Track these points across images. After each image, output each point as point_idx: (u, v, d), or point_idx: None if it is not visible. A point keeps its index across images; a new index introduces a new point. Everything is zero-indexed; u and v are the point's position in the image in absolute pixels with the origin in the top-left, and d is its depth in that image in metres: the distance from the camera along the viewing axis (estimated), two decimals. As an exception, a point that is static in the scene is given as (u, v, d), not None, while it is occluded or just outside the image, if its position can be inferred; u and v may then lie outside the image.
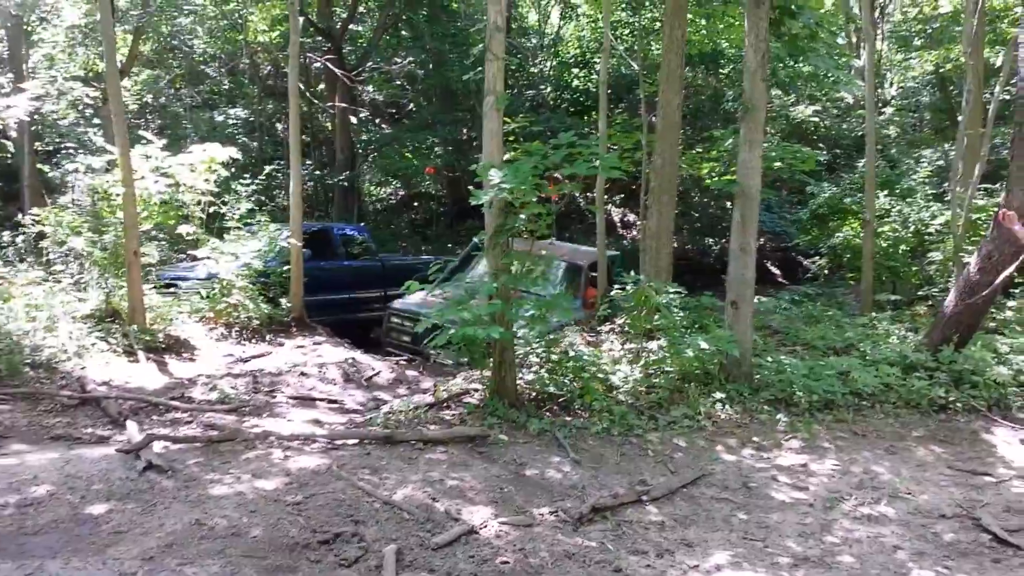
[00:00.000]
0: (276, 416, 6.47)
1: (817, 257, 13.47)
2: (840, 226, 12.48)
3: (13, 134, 16.75)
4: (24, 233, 9.68)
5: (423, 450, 5.61)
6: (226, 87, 21.51)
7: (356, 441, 5.70)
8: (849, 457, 6.05)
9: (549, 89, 19.98)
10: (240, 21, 18.19)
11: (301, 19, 17.21)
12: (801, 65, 10.50)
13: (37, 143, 16.37)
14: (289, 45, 10.24)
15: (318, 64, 17.07)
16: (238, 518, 4.37)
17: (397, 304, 9.45)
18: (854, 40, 19.60)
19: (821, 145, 17.69)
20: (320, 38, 18.05)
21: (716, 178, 10.72)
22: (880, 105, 18.29)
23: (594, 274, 9.92)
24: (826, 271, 13.24)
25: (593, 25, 19.55)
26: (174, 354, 8.12)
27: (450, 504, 4.77)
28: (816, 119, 16.51)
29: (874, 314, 9.60)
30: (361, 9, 19.71)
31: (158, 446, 5.35)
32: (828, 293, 11.85)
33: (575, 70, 20.02)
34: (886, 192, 12.24)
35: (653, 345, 7.59)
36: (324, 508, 4.57)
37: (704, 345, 7.01)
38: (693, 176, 13.43)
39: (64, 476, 4.80)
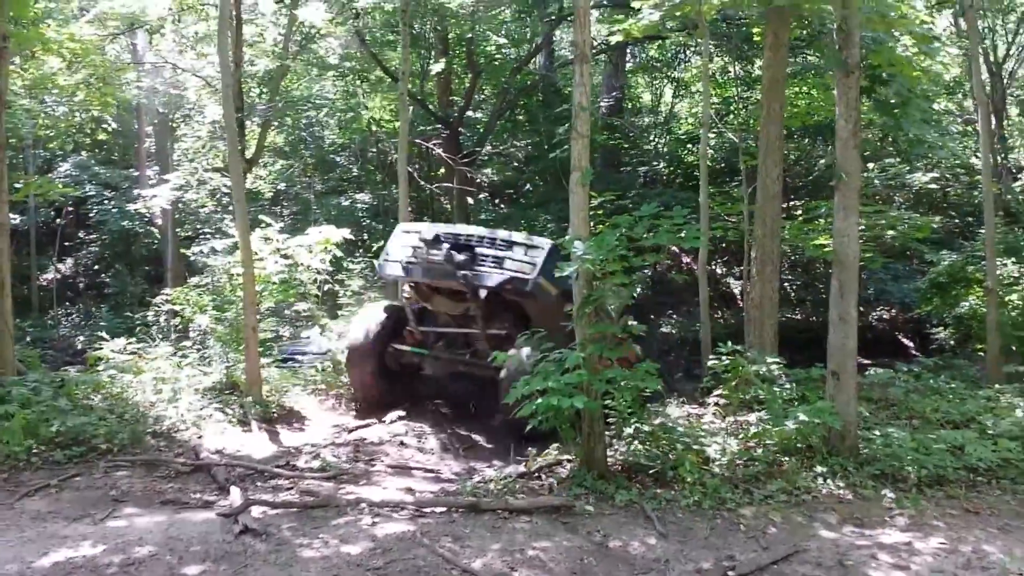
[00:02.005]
0: (372, 484, 6.67)
1: (942, 328, 12.81)
2: (964, 295, 11.87)
3: (159, 221, 18.36)
4: (158, 312, 10.50)
5: (507, 519, 5.66)
6: (354, 174, 22.75)
7: (443, 509, 5.81)
8: (958, 535, 5.68)
9: (663, 165, 20.12)
10: (364, 112, 19.28)
11: (420, 109, 18.23)
12: (905, 132, 10.23)
13: (179, 229, 17.76)
14: (399, 133, 10.84)
15: (438, 150, 17.86)
16: (320, 581, 4.54)
17: None
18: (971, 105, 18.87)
19: (952, 212, 16.97)
20: (439, 125, 18.90)
21: (812, 247, 10.46)
22: (1015, 171, 17.41)
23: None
24: (952, 342, 12.56)
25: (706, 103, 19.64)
26: (285, 424, 8.54)
27: (528, 574, 4.78)
28: (935, 186, 15.88)
29: (999, 386, 9.02)
30: (478, 97, 20.56)
31: (257, 511, 5.63)
32: (954, 364, 11.21)
33: (689, 146, 20.12)
34: (1013, 259, 11.59)
35: (752, 417, 7.41)
36: (403, 574, 4.69)
37: (803, 417, 6.79)
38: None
39: (167, 538, 5.12)
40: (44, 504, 5.87)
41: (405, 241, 8.89)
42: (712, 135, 14.99)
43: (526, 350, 7.58)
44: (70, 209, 20.50)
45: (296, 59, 15.79)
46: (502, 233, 8.75)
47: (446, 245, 8.44)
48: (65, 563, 4.69)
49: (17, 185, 12.89)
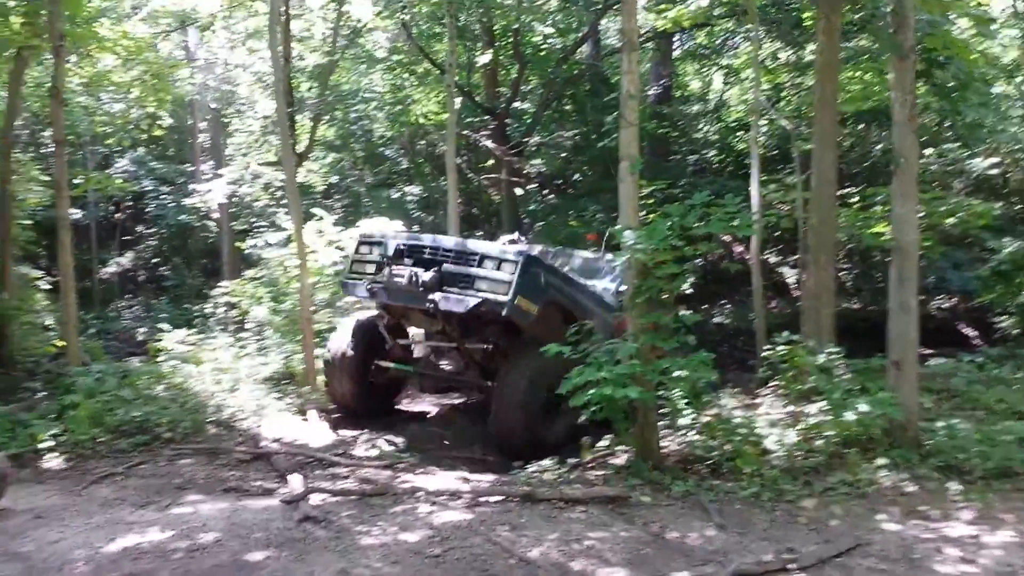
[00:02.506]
0: (428, 473, 6.73)
1: (1005, 316, 12.45)
2: (1030, 282, 11.51)
3: (215, 215, 18.69)
4: (216, 304, 10.71)
5: (563, 509, 5.66)
6: (403, 167, 22.89)
7: (500, 498, 5.84)
8: (1027, 529, 5.54)
9: (713, 153, 19.88)
10: (412, 105, 19.39)
11: (468, 101, 18.26)
12: (963, 117, 9.94)
13: (234, 223, 18.07)
14: (447, 125, 10.88)
15: (485, 142, 17.89)
16: (380, 568, 4.59)
17: None
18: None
19: (1014, 199, 16.46)
20: (487, 117, 18.91)
21: (869, 235, 10.24)
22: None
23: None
24: (1016, 331, 12.20)
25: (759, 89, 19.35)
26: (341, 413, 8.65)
27: (585, 564, 4.78)
28: (995, 171, 15.41)
29: (1068, 376, 8.76)
30: (524, 88, 20.52)
31: (316, 498, 5.73)
32: (1018, 354, 10.88)
33: (739, 133, 19.84)
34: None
35: (811, 408, 7.29)
36: (461, 562, 4.72)
37: (864, 408, 6.66)
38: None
39: (230, 524, 5.23)
40: (111, 491, 6.04)
41: (366, 255, 8.16)
42: (764, 122, 14.75)
43: (519, 371, 7.33)
44: (129, 204, 20.97)
45: (344, 54, 15.91)
46: (471, 244, 8.03)
47: (409, 263, 7.62)
48: (133, 548, 4.81)
49: (76, 181, 13.28)
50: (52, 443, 6.75)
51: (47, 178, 11.54)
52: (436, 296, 7.27)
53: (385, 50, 18.82)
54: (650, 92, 19.98)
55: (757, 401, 8.29)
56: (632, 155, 6.59)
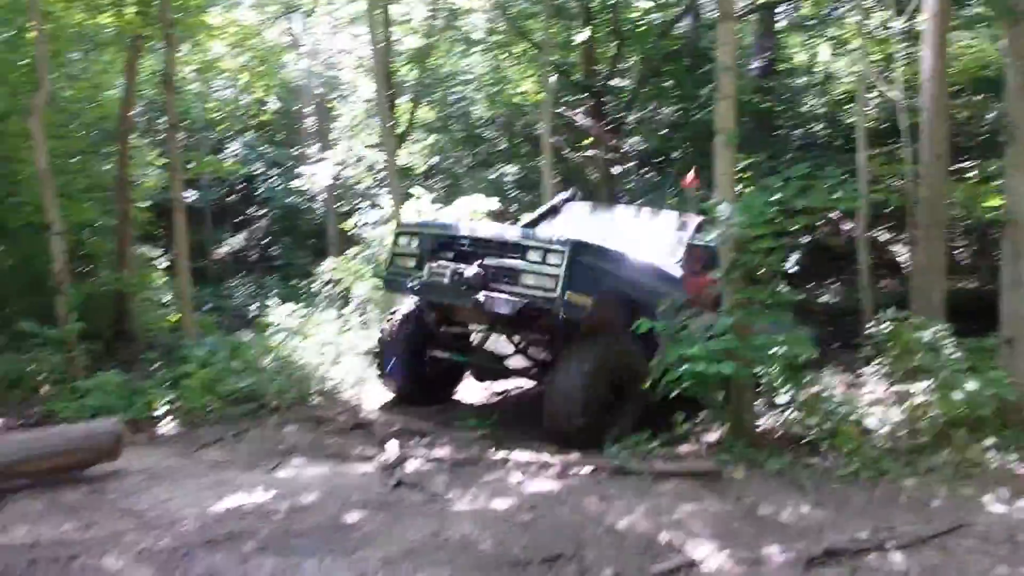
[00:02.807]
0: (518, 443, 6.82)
1: None
2: None
3: (321, 197, 19.31)
4: (321, 281, 11.12)
5: (654, 482, 5.66)
6: (501, 147, 23.05)
7: (590, 469, 5.88)
8: None
9: (819, 127, 19.22)
10: (509, 85, 19.49)
11: (565, 79, 18.22)
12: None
13: (338, 204, 18.63)
14: (542, 104, 10.92)
15: (583, 120, 17.81)
16: (470, 532, 4.72)
17: None
18: None
19: None
20: (583, 95, 18.82)
21: (983, 209, 9.72)
22: None
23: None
24: None
25: (867, 59, 18.58)
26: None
27: (673, 536, 4.78)
28: None
29: None
30: (622, 64, 20.31)
31: (411, 465, 5.92)
32: None
33: (848, 106, 19.10)
34: None
35: (916, 387, 7.03)
36: (549, 530, 4.79)
37: (973, 387, 6.39)
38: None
39: (330, 487, 5.46)
40: (220, 455, 6.40)
41: (406, 247, 7.59)
42: (873, 94, 14.16)
43: (577, 362, 6.64)
44: (240, 187, 21.87)
45: (442, 36, 16.11)
46: (512, 232, 7.34)
47: (450, 256, 7.08)
48: (237, 508, 5.09)
49: (190, 165, 13.95)
50: (166, 410, 7.19)
51: (163, 162, 12.17)
52: (480, 296, 6.69)
53: (483, 32, 18.94)
54: (753, 65, 19.47)
55: (860, 380, 8.06)
56: (728, 128, 6.48)
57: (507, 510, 5.07)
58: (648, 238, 8.05)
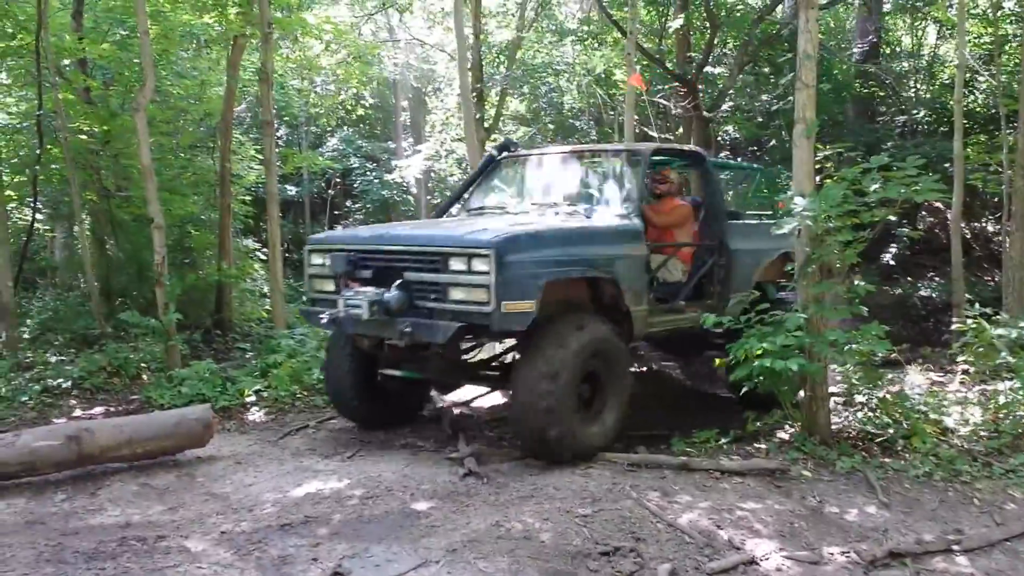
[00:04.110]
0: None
1: None
2: None
3: (414, 190, 19.75)
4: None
5: (718, 479, 5.66)
6: (592, 137, 23.02)
7: (653, 466, 5.92)
8: None
9: (923, 113, 18.46)
10: (600, 74, 19.43)
11: (658, 68, 18.04)
12: None
13: (430, 196, 19.02)
14: (626, 93, 10.88)
15: (677, 111, 17.63)
16: (532, 523, 4.84)
17: None
18: None
19: None
20: (676, 83, 18.61)
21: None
22: None
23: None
24: None
25: (975, 42, 17.70)
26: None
27: (734, 533, 4.80)
28: None
29: None
30: (717, 52, 19.96)
31: (480, 457, 6.08)
32: None
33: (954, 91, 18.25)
34: None
35: (1003, 386, 6.78)
36: (609, 523, 4.87)
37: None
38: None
39: (402, 476, 5.69)
40: (302, 442, 6.72)
41: (320, 269, 6.45)
42: (981, 79, 13.53)
43: (537, 364, 5.72)
44: (338, 180, 22.58)
45: (532, 28, 16.20)
46: (428, 234, 6.21)
47: (368, 277, 6.01)
48: (315, 494, 5.38)
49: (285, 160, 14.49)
50: (256, 398, 7.59)
51: (263, 157, 12.70)
52: (407, 327, 5.66)
53: (575, 21, 18.95)
54: (855, 49, 18.82)
55: (945, 379, 7.81)
56: (808, 118, 6.37)
57: (569, 503, 5.17)
58: (597, 185, 7.22)
